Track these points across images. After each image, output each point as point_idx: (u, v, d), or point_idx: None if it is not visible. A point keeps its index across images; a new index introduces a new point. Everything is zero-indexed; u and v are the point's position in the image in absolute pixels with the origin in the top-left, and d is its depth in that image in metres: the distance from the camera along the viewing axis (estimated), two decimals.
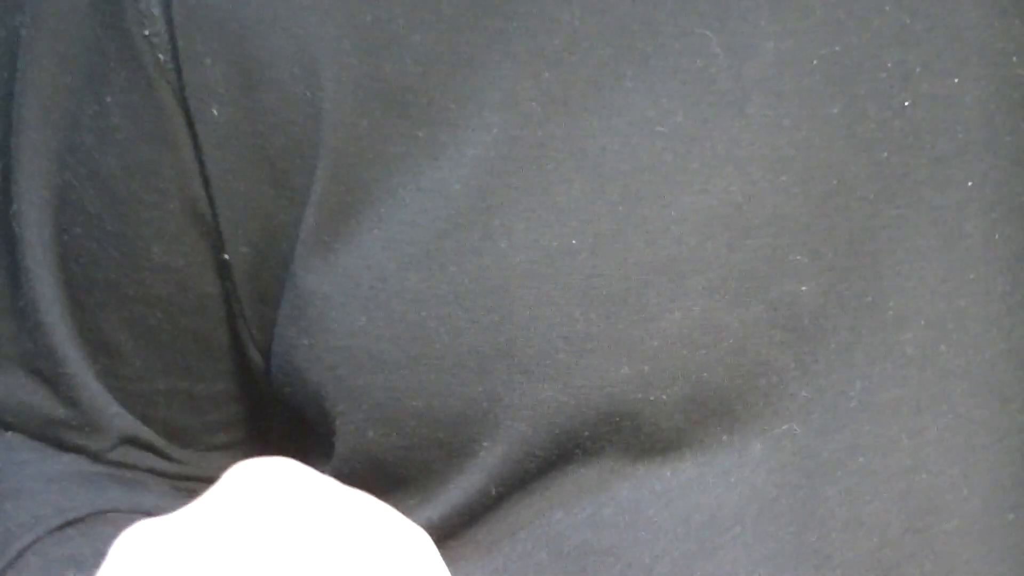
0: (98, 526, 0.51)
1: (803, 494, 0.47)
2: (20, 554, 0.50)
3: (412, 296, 0.47)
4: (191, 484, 0.58)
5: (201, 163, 0.50)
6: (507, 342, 0.47)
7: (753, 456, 0.47)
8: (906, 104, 0.46)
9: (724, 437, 0.47)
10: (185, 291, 0.53)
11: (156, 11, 0.49)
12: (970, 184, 0.47)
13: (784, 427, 0.47)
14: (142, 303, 0.53)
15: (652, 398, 0.46)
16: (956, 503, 0.47)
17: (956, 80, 0.46)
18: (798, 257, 0.46)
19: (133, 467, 0.56)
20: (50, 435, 0.56)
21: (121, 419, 0.55)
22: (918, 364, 0.47)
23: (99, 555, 0.47)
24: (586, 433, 0.47)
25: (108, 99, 0.51)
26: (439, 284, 0.47)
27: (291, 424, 0.55)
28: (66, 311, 0.54)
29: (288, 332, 0.50)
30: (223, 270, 0.52)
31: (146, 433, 0.56)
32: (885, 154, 0.46)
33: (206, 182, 0.50)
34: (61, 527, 0.51)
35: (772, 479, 0.47)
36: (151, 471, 0.57)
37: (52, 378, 0.55)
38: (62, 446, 0.56)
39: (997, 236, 0.47)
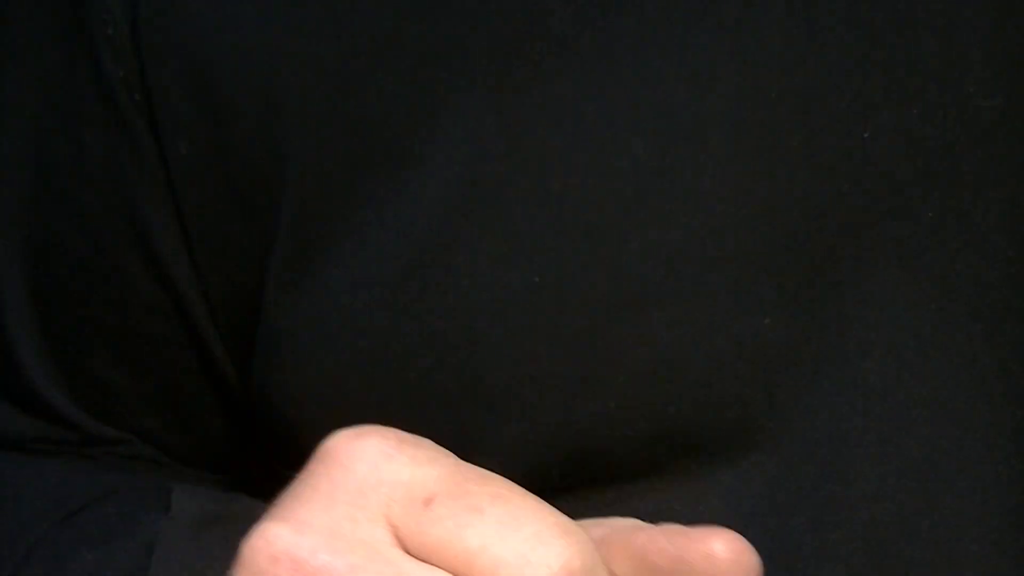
0: (102, 507, 0.51)
1: (772, 524, 0.47)
2: (30, 550, 0.50)
3: (378, 335, 0.47)
4: (187, 473, 0.58)
5: (175, 198, 0.50)
6: (473, 380, 0.47)
7: (721, 487, 0.47)
8: (866, 135, 0.47)
9: (692, 468, 0.47)
10: (173, 326, 0.53)
11: (128, 48, 0.49)
12: (930, 215, 0.47)
13: (752, 458, 0.47)
14: (131, 339, 0.53)
15: (619, 434, 0.47)
16: (919, 532, 0.47)
17: (916, 111, 0.46)
18: (762, 290, 0.46)
19: (129, 459, 0.57)
20: (41, 448, 0.56)
21: (112, 433, 0.56)
22: (880, 394, 0.47)
23: (108, 533, 0.47)
24: (555, 470, 0.47)
25: (85, 139, 0.51)
26: (405, 323, 0.47)
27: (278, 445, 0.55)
28: (45, 352, 0.54)
29: (263, 368, 0.50)
30: (206, 304, 0.52)
31: (138, 442, 0.56)
32: (846, 185, 0.47)
33: (180, 216, 0.51)
34: (66, 517, 0.51)
35: (740, 509, 0.47)
36: (149, 460, 0.57)
37: (37, 412, 0.55)
38: (55, 452, 0.56)
39: (958, 266, 0.47)
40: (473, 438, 0.47)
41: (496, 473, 0.47)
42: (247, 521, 0.39)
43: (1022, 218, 0.47)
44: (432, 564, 0.36)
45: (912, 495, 0.47)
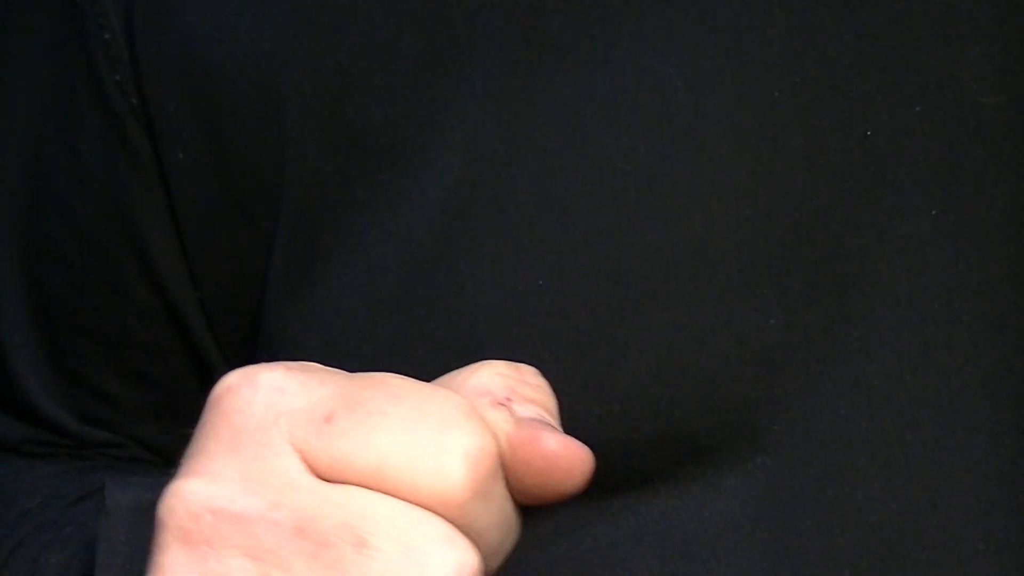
0: (83, 505, 0.51)
1: (777, 527, 0.47)
2: (11, 553, 0.50)
3: (381, 341, 0.47)
4: None
5: (172, 206, 0.50)
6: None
7: (727, 490, 0.47)
8: (867, 134, 0.46)
9: (697, 471, 0.47)
10: (170, 333, 0.53)
11: (125, 56, 0.49)
12: (933, 213, 0.47)
13: (757, 460, 0.47)
14: (129, 348, 0.53)
15: (623, 437, 0.46)
16: (926, 533, 0.47)
17: (917, 109, 0.46)
18: (764, 291, 0.46)
19: (125, 461, 0.57)
20: (36, 451, 0.56)
21: (108, 438, 0.55)
22: (884, 395, 0.47)
23: (78, 531, 0.47)
24: None
25: (83, 147, 0.51)
26: (407, 329, 0.47)
27: None
28: (41, 361, 0.54)
29: None
30: (203, 312, 0.52)
31: (133, 446, 0.56)
32: (848, 184, 0.47)
33: (177, 223, 0.50)
34: (48, 518, 0.51)
35: (746, 512, 0.47)
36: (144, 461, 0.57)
37: (30, 418, 0.55)
38: (50, 455, 0.56)
39: (961, 265, 0.47)
40: None
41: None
42: None
43: None
44: (347, 479, 0.36)
45: (918, 496, 0.47)
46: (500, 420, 0.38)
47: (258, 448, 0.37)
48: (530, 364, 0.46)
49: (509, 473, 0.38)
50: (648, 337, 0.46)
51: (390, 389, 0.37)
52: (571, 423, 0.46)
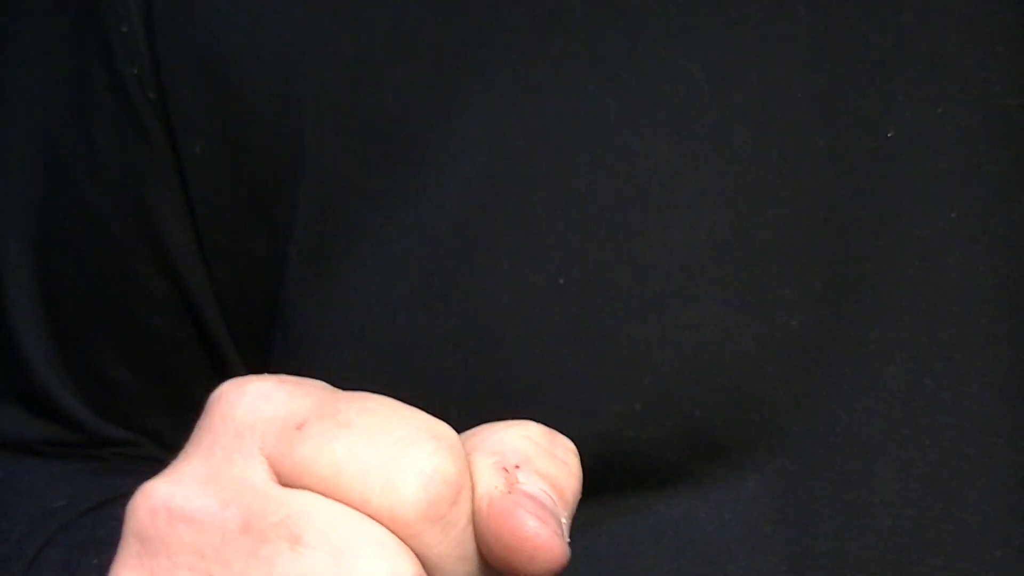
0: (110, 509, 0.51)
1: (795, 531, 0.47)
2: (38, 552, 0.50)
3: (400, 335, 0.47)
4: None
5: (188, 196, 0.50)
6: (497, 381, 0.46)
7: (748, 492, 0.47)
8: (890, 135, 0.46)
9: (718, 472, 0.47)
10: (183, 325, 0.52)
11: (143, 48, 0.49)
12: (953, 215, 0.47)
13: (777, 462, 0.47)
14: (143, 339, 0.53)
15: (644, 435, 0.46)
16: (942, 538, 0.47)
17: (939, 110, 0.46)
18: (787, 290, 0.46)
19: (138, 460, 0.56)
20: (49, 451, 0.56)
21: (121, 434, 0.55)
22: (902, 398, 0.47)
23: (116, 534, 0.47)
24: None
25: (99, 139, 0.50)
26: (427, 323, 0.47)
27: None
28: (54, 351, 0.53)
29: (281, 369, 0.49)
30: (217, 305, 0.52)
31: (147, 443, 0.56)
32: (869, 185, 0.46)
33: (192, 215, 0.50)
34: (75, 519, 0.51)
35: (766, 515, 0.47)
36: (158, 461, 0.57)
37: (47, 413, 0.55)
38: (63, 455, 0.56)
39: (980, 268, 0.47)
40: None
41: None
42: None
43: None
44: (305, 485, 0.36)
45: (934, 501, 0.47)
46: (492, 484, 0.37)
47: (229, 452, 0.37)
48: (550, 360, 0.46)
49: (479, 536, 0.37)
50: (669, 336, 0.46)
51: (365, 404, 0.37)
52: (591, 421, 0.46)
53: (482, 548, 0.37)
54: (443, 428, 0.37)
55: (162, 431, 0.55)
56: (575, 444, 0.46)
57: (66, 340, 0.54)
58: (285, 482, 0.36)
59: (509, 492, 0.37)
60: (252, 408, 0.37)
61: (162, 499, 0.37)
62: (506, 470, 0.38)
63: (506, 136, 0.46)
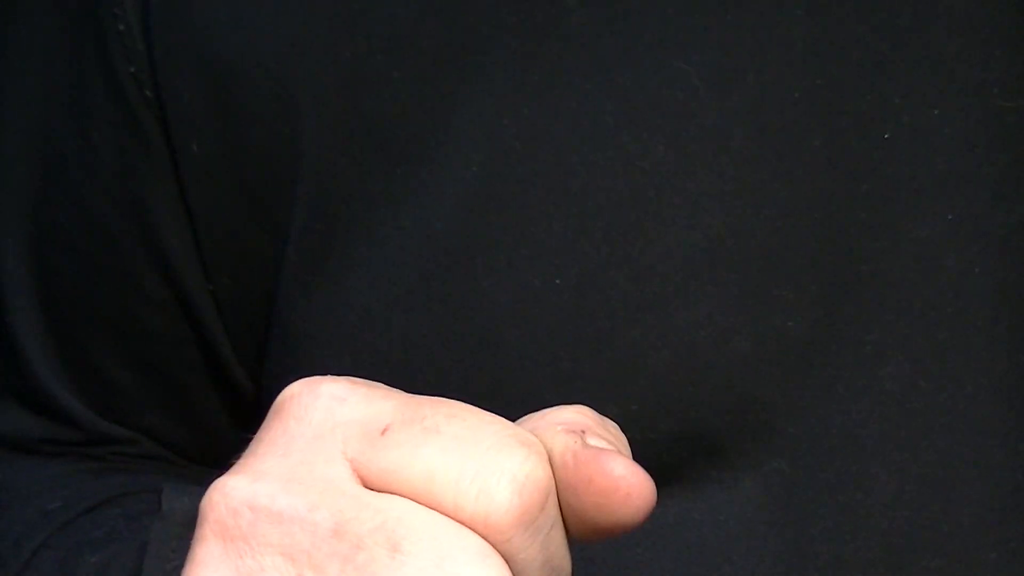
0: (107, 509, 0.51)
1: (791, 532, 0.47)
2: (34, 553, 0.49)
3: (397, 337, 0.47)
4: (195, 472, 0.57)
5: (185, 195, 0.50)
6: (493, 382, 0.46)
7: (743, 493, 0.47)
8: (887, 136, 0.46)
9: (713, 473, 0.47)
10: (180, 324, 0.52)
11: (140, 47, 0.49)
12: (950, 217, 0.47)
13: (773, 464, 0.47)
14: (139, 338, 0.53)
15: (640, 436, 0.46)
16: (937, 540, 0.47)
17: (936, 112, 0.46)
18: (783, 291, 0.46)
19: (136, 458, 0.56)
20: (47, 450, 0.56)
21: (120, 432, 0.55)
22: (898, 399, 0.47)
23: (110, 536, 0.47)
24: None
25: (94, 136, 0.50)
26: (424, 325, 0.47)
27: None
28: (51, 349, 0.53)
29: (277, 369, 0.49)
30: (214, 304, 0.52)
31: (145, 441, 0.56)
32: (866, 186, 0.46)
33: (190, 215, 0.50)
34: (72, 520, 0.50)
35: (762, 516, 0.47)
36: (156, 459, 0.57)
37: (45, 411, 0.55)
38: (60, 454, 0.56)
39: (976, 270, 0.47)
40: None
41: None
42: None
43: None
44: (394, 490, 0.36)
45: (930, 503, 0.47)
46: (570, 442, 0.38)
47: (309, 454, 0.37)
48: (547, 361, 0.46)
49: (569, 492, 0.37)
50: (666, 336, 0.46)
51: (449, 409, 0.37)
52: None
53: (573, 504, 0.37)
54: (527, 434, 0.37)
55: (160, 429, 0.55)
56: None
57: (64, 338, 0.54)
58: (371, 487, 0.36)
59: (586, 445, 0.37)
60: (329, 410, 0.37)
61: (244, 497, 0.36)
62: (575, 432, 0.38)
63: (503, 137, 0.46)
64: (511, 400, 0.46)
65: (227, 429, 0.55)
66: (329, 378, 0.38)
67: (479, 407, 0.46)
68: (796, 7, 0.46)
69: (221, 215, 0.49)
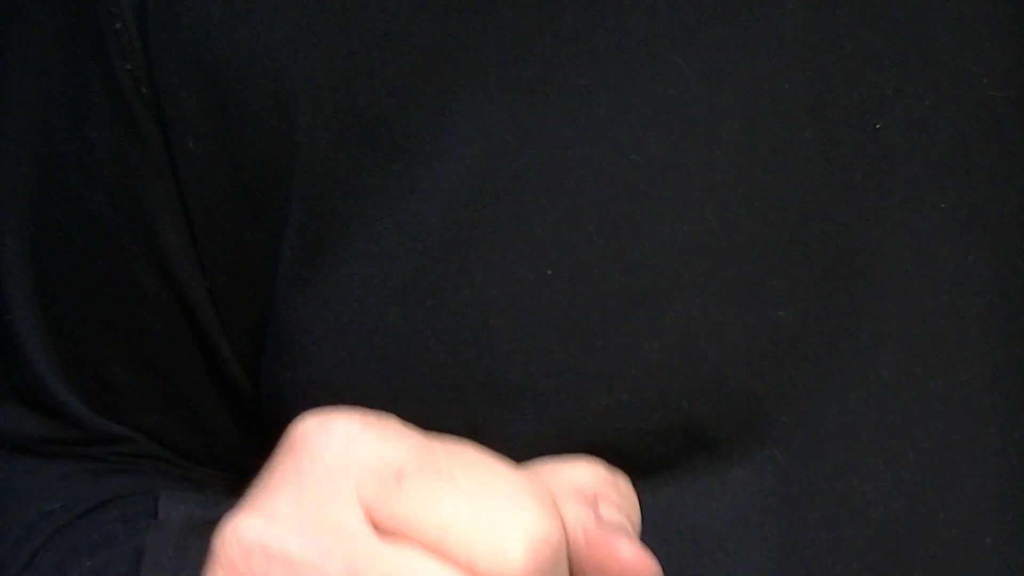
0: (106, 512, 0.51)
1: (785, 520, 0.47)
2: (34, 555, 0.50)
3: (392, 330, 0.47)
4: (196, 472, 0.58)
5: (182, 194, 0.50)
6: (486, 374, 0.47)
7: (735, 482, 0.47)
8: (879, 127, 0.46)
9: (706, 463, 0.47)
10: (178, 323, 0.53)
11: (136, 45, 0.49)
12: (944, 207, 0.47)
13: (766, 453, 0.47)
14: (137, 336, 0.53)
15: (632, 428, 0.46)
16: (935, 528, 0.47)
17: (928, 103, 0.46)
18: (775, 282, 0.46)
19: (136, 458, 0.57)
20: (48, 450, 0.56)
21: (119, 431, 0.55)
22: (894, 388, 0.47)
23: (108, 540, 0.47)
24: None
25: (92, 134, 0.51)
26: (418, 318, 0.47)
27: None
28: (51, 348, 0.54)
29: (273, 365, 0.50)
30: (211, 302, 0.52)
31: (144, 440, 0.56)
32: (859, 178, 0.47)
33: (187, 212, 0.50)
34: (71, 521, 0.51)
35: (755, 505, 0.47)
36: (156, 458, 0.57)
37: (46, 409, 0.55)
38: (61, 454, 0.56)
39: (971, 259, 0.47)
40: (486, 432, 0.47)
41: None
42: None
43: None
44: (407, 539, 0.36)
45: (926, 491, 0.47)
46: (582, 515, 0.38)
47: (323, 496, 0.37)
48: (540, 353, 0.46)
49: (578, 566, 0.37)
50: (659, 328, 0.46)
51: (465, 459, 0.37)
52: (580, 413, 0.46)
53: (580, 571, 0.38)
54: (541, 488, 0.38)
55: (158, 428, 0.56)
56: (564, 436, 0.47)
57: (62, 336, 0.54)
58: (383, 531, 0.36)
59: (598, 522, 0.38)
60: (342, 451, 0.37)
61: (256, 538, 0.37)
62: (588, 501, 0.38)
63: (497, 132, 0.47)
64: (504, 391, 0.46)
65: (226, 427, 0.56)
66: (340, 413, 0.38)
67: (472, 399, 0.47)
68: (787, 1, 0.46)
69: (218, 211, 0.50)
